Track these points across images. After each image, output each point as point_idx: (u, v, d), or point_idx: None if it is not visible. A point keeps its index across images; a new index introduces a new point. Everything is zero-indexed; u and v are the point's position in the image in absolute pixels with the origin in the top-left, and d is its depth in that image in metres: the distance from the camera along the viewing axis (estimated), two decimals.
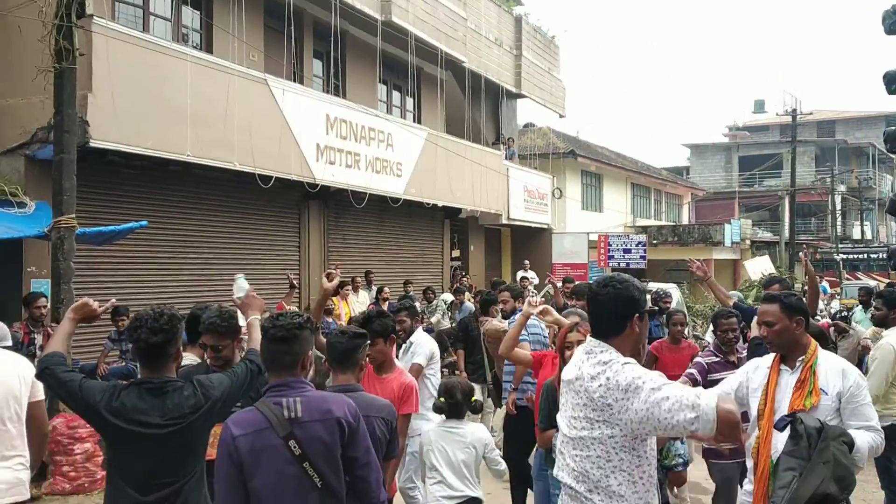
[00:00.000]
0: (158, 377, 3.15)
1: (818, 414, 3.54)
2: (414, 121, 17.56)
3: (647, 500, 2.80)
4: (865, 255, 37.71)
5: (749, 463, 3.81)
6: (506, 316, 7.35)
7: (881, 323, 6.54)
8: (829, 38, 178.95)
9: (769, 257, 31.68)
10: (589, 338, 2.94)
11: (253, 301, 3.93)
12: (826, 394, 3.61)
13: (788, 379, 3.71)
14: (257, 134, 11.40)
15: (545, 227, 22.48)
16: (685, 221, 38.50)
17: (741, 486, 4.32)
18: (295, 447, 2.88)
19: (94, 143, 8.99)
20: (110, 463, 3.23)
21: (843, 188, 44.80)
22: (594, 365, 2.80)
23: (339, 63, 14.74)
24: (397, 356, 5.83)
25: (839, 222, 43.41)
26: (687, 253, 28.64)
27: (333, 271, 4.49)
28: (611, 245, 21.71)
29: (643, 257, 21.39)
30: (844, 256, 36.98)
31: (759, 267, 29.12)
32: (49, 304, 7.73)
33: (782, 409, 3.63)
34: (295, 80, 13.23)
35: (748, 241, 33.56)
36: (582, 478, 2.79)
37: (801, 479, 3.30)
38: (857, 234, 46.58)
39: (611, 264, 21.86)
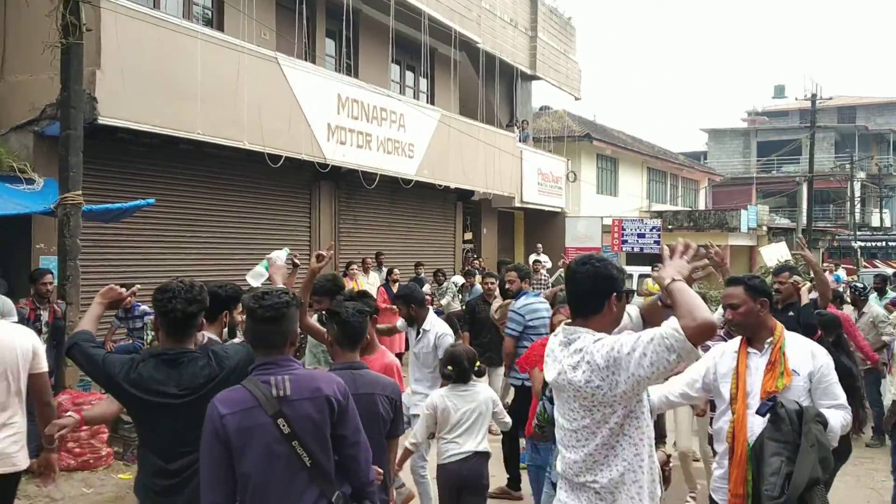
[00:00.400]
0: (176, 348, 3.22)
1: (791, 395, 3.51)
2: (427, 102, 17.44)
3: (651, 466, 2.81)
4: (884, 243, 37.34)
5: (720, 447, 3.77)
6: (511, 295, 7.29)
7: None
8: (853, 22, 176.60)
9: (786, 244, 31.35)
10: (562, 326, 2.91)
11: (281, 273, 4.23)
12: (798, 374, 3.58)
13: (758, 361, 3.67)
14: (267, 113, 11.34)
15: (559, 210, 22.34)
16: (701, 207, 38.22)
17: None
18: (284, 426, 2.82)
19: (102, 120, 8.95)
20: (137, 432, 3.44)
21: (862, 175, 44.27)
22: (572, 355, 2.78)
23: (351, 42, 14.63)
24: (407, 345, 6.08)
25: (858, 209, 42.93)
26: (703, 238, 28.56)
27: (324, 253, 4.44)
28: (625, 229, 21.57)
29: (657, 242, 21.22)
30: (862, 244, 36.64)
31: (775, 254, 28.75)
32: (55, 281, 7.72)
33: (755, 391, 3.60)
34: (307, 60, 13.14)
35: (765, 228, 33.25)
36: (589, 466, 2.78)
37: (797, 466, 3.26)
38: (875, 222, 46.05)
39: (625, 249, 21.74)
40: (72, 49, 7.33)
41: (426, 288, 13.78)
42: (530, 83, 22.06)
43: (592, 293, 2.82)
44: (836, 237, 38.40)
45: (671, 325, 2.54)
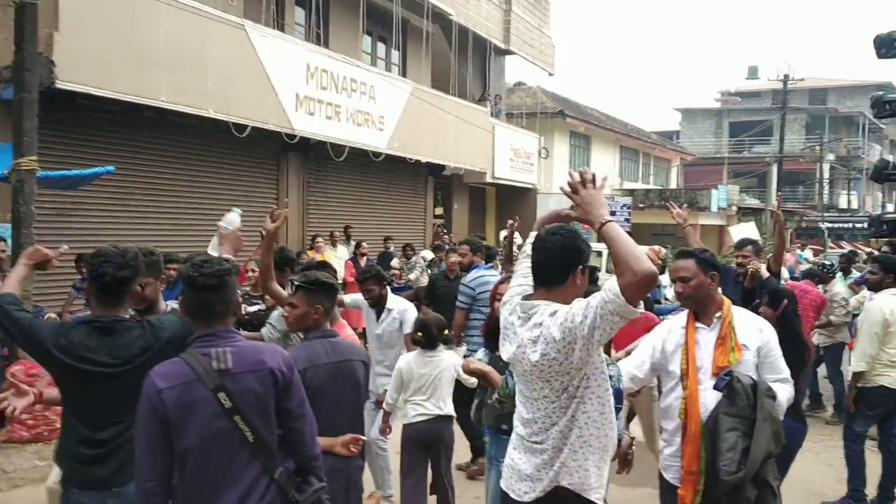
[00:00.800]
0: (110, 315, 3.11)
1: (741, 370, 3.50)
2: (399, 74, 17.21)
3: (612, 420, 2.86)
4: (851, 225, 37.78)
5: (670, 425, 3.74)
6: (464, 269, 7.30)
7: (875, 287, 6.61)
8: (826, 4, 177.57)
9: (755, 224, 31.61)
10: (520, 302, 2.86)
11: (230, 239, 3.91)
12: (748, 349, 3.57)
13: (707, 336, 3.65)
14: (234, 81, 11.10)
15: (531, 186, 22.28)
16: (673, 185, 38.38)
17: None
18: (225, 400, 2.72)
19: (60, 85, 8.69)
20: (62, 400, 3.27)
21: (831, 157, 44.69)
22: (531, 329, 2.77)
23: (322, 12, 14.35)
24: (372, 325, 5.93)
25: (826, 191, 43.40)
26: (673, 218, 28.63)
27: (279, 211, 4.30)
28: None
29: (627, 220, 21.29)
30: (830, 225, 37.06)
31: (743, 233, 28.82)
32: (9, 250, 7.51)
33: (705, 366, 3.58)
34: (276, 28, 12.87)
35: (735, 208, 33.47)
36: (546, 427, 2.81)
37: (754, 440, 3.26)
38: (843, 204, 46.66)
39: None
40: (26, 8, 7.07)
41: (394, 262, 13.70)
42: (504, 58, 21.87)
43: (560, 263, 2.80)
44: (805, 218, 38.79)
45: (611, 290, 2.51)
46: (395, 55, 17.65)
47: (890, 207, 43.35)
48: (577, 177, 2.67)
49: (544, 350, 2.68)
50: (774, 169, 34.82)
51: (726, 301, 3.72)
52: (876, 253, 9.97)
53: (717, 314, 3.66)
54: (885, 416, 6.18)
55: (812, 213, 40.21)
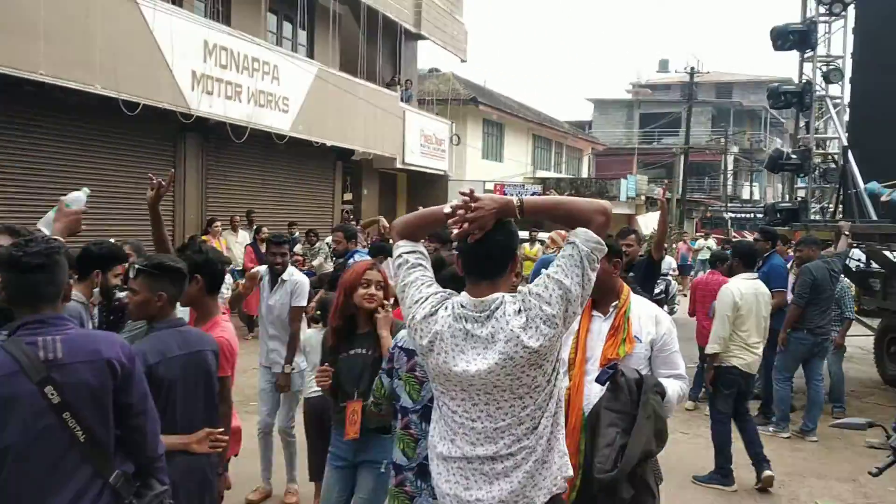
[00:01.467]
0: None
1: (632, 363, 3.36)
2: (307, 56, 16.74)
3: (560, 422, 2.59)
4: (752, 215, 39.16)
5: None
6: (338, 255, 7.16)
7: (731, 273, 6.99)
8: (736, 1, 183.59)
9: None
10: (469, 300, 2.48)
11: (68, 218, 3.50)
12: (640, 341, 3.43)
13: (601, 325, 3.50)
14: (123, 56, 10.52)
15: (442, 173, 22.13)
16: (585, 175, 38.98)
17: None
18: (52, 394, 2.42)
19: None
20: None
21: (736, 149, 46.19)
22: (511, 319, 2.40)
23: None
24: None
25: (730, 182, 44.86)
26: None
27: (157, 180, 4.00)
28: (506, 194, 21.57)
29: None
30: (733, 215, 38.39)
31: (651, 222, 29.67)
32: None
33: (595, 357, 3.43)
34: (170, 2, 12.27)
35: (643, 197, 34.20)
36: (526, 433, 2.46)
37: (631, 438, 3.10)
38: (746, 195, 48.33)
39: None
40: None
41: (298, 248, 13.31)
42: (416, 43, 21.61)
43: (504, 253, 2.52)
44: (710, 208, 40.05)
45: (591, 239, 2.39)
46: (303, 35, 17.16)
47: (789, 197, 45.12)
48: (463, 199, 2.45)
49: (544, 331, 2.37)
50: (682, 160, 35.69)
51: (626, 289, 3.57)
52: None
53: (615, 303, 3.51)
54: (739, 396, 6.47)
55: (717, 203, 41.55)
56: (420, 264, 2.61)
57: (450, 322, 2.43)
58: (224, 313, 3.87)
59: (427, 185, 21.96)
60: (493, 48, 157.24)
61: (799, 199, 11.73)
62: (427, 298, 2.52)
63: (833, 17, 11.19)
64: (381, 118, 17.71)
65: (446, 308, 2.47)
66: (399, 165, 19.53)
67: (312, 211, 17.22)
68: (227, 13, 14.37)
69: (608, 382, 3.22)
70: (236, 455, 4.14)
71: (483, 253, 2.48)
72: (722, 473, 6.38)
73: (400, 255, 2.61)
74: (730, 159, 43.48)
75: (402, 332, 3.19)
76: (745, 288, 6.48)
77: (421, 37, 20.77)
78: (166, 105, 11.48)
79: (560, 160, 36.89)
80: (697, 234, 32.16)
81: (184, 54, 11.75)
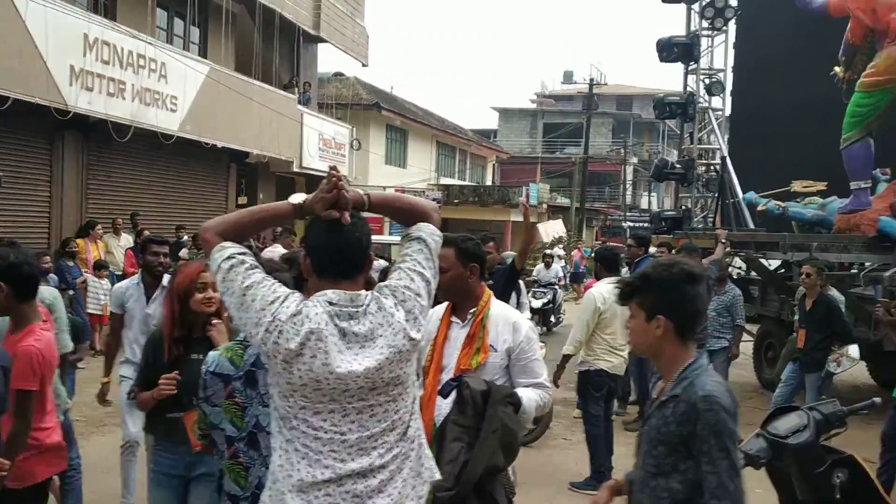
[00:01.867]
0: None
1: (486, 373, 3.23)
2: (199, 54, 16.21)
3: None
4: (651, 224, 40.40)
5: None
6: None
7: (598, 278, 7.20)
8: (637, 16, 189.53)
9: (562, 221, 33.00)
10: (331, 299, 2.24)
11: None
12: (496, 350, 3.30)
13: (458, 332, 3.37)
14: None
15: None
16: (489, 183, 39.35)
17: None
18: None
19: None
20: None
21: (635, 160, 47.53)
22: (392, 313, 2.26)
23: None
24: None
25: (629, 192, 46.13)
26: (487, 214, 29.52)
27: None
28: None
29: None
30: (631, 224, 39.46)
31: (551, 230, 30.22)
32: None
33: (450, 366, 3.29)
34: None
35: (545, 205, 34.79)
36: (398, 438, 2.30)
37: (474, 454, 2.96)
38: (644, 204, 49.73)
39: None
40: None
41: (184, 252, 12.84)
42: (316, 45, 21.26)
43: (365, 249, 2.36)
44: (609, 217, 41.09)
45: (434, 232, 2.40)
46: (195, 33, 16.62)
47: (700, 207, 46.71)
48: (331, 173, 2.28)
49: (422, 323, 2.31)
50: (582, 169, 36.51)
51: (486, 294, 3.43)
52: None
53: (473, 309, 3.38)
54: (607, 398, 6.62)
55: (616, 212, 42.65)
56: (257, 266, 2.32)
57: (326, 319, 2.17)
58: (45, 321, 3.54)
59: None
60: (401, 55, 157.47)
61: (683, 207, 12.06)
62: (287, 296, 2.21)
63: (715, 32, 11.58)
64: (277, 121, 17.31)
65: (316, 305, 2.20)
66: (296, 169, 19.15)
67: (203, 214, 16.62)
68: (112, 7, 13.77)
69: (448, 395, 3.11)
70: (64, 472, 3.85)
71: (343, 250, 2.28)
72: (597, 479, 6.36)
73: (231, 257, 2.27)
74: (629, 169, 44.72)
75: (212, 355, 2.85)
76: (607, 292, 6.49)
77: (320, 39, 20.45)
78: (39, 100, 10.86)
79: (464, 167, 37.11)
80: (596, 242, 32.94)
81: (61, 48, 11.15)
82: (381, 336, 2.22)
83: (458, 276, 3.36)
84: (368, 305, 2.24)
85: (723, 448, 2.31)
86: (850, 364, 7.43)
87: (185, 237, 13.76)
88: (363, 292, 2.28)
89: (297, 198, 2.40)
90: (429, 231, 2.40)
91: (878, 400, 3.79)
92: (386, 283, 2.34)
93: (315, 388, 2.16)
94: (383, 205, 2.47)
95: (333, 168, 2.31)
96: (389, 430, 2.26)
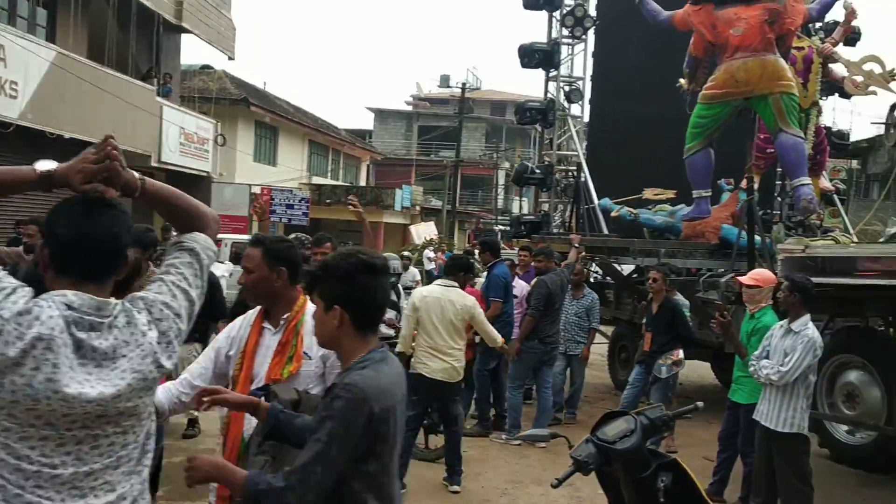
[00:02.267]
0: None
1: (300, 382, 3.03)
2: (47, 38, 15.16)
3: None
4: (510, 228, 41.29)
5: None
6: (28, 250, 6.41)
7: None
8: (514, 22, 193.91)
9: (434, 224, 33.17)
10: (58, 300, 1.85)
11: None
12: (310, 358, 3.10)
13: (270, 340, 3.16)
14: None
15: (205, 174, 21.03)
16: (363, 183, 39.04)
17: None
18: None
19: None
20: None
21: (507, 165, 48.40)
22: (144, 331, 1.97)
23: None
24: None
25: (501, 196, 46.94)
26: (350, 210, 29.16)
27: None
28: (273, 199, 20.97)
29: (305, 214, 21.00)
30: (503, 228, 40.12)
31: (423, 232, 30.33)
32: None
33: (261, 376, 3.08)
34: None
35: (418, 208, 34.87)
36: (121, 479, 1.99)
37: (278, 466, 2.78)
38: (516, 209, 50.75)
39: (273, 219, 21.15)
40: None
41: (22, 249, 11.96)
42: (178, 35, 20.36)
43: (118, 246, 2.00)
44: (481, 221, 41.64)
45: (208, 245, 2.18)
46: (42, 15, 15.53)
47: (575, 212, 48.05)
48: (107, 141, 2.00)
49: (175, 349, 2.00)
50: (455, 172, 36.84)
51: (301, 299, 3.22)
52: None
53: (285, 315, 3.16)
54: (443, 404, 6.47)
55: (488, 216, 43.29)
56: None
57: (61, 326, 1.78)
58: None
59: (188, 186, 20.60)
60: (276, 51, 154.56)
61: (542, 212, 12.25)
62: (15, 290, 1.81)
63: (575, 40, 11.83)
64: (133, 112, 16.41)
65: (50, 307, 1.79)
66: (154, 164, 18.23)
67: (48, 209, 15.58)
68: None
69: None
70: None
71: (96, 244, 1.92)
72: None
73: None
74: (501, 174, 45.49)
75: None
76: (428, 292, 6.47)
77: (183, 29, 19.59)
78: None
79: (337, 167, 36.64)
80: (468, 244, 33.24)
81: None
82: (124, 357, 1.87)
83: (263, 278, 3.16)
84: (116, 317, 1.89)
85: (330, 434, 2.18)
86: (676, 368, 7.66)
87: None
88: (112, 300, 1.91)
89: (47, 164, 1.94)
90: (204, 245, 2.16)
91: (700, 404, 3.86)
92: (142, 294, 2.00)
93: (29, 407, 1.75)
94: (159, 198, 2.12)
95: (109, 139, 1.99)
96: (113, 468, 1.88)
